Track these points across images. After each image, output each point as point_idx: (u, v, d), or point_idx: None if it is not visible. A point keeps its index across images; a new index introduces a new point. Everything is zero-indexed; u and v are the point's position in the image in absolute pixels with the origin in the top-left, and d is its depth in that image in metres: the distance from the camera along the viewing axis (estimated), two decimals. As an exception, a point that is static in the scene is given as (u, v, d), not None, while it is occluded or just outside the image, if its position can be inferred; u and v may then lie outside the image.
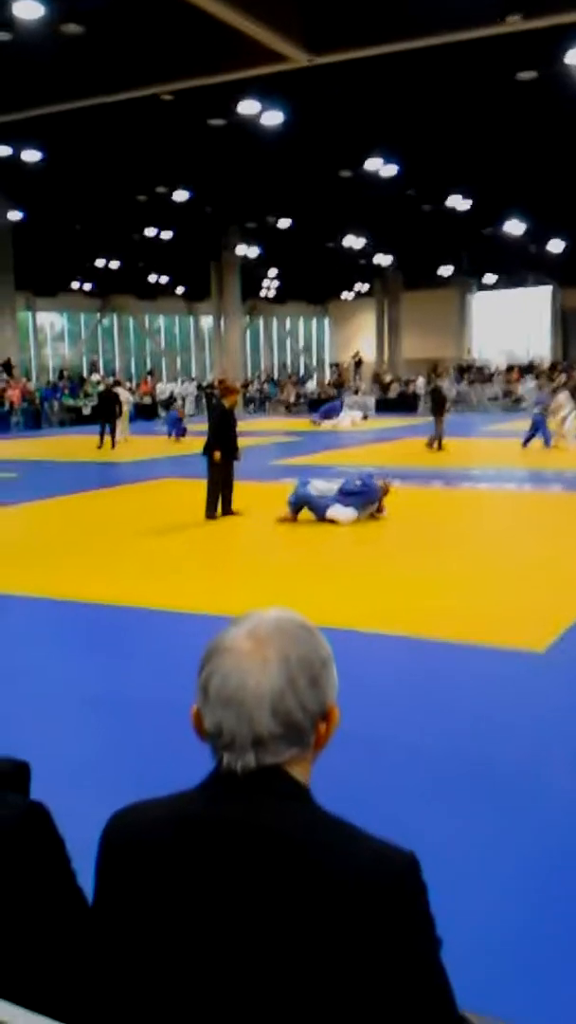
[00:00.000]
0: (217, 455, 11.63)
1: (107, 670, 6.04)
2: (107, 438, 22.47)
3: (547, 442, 20.25)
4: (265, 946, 1.22)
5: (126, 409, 24.86)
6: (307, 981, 1.20)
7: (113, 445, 22.41)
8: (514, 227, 33.24)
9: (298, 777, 1.32)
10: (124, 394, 25.56)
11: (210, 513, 11.68)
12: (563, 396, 21.89)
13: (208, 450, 11.74)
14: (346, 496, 11.30)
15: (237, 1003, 1.22)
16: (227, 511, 11.85)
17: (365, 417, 31.57)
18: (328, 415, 29.89)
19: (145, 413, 34.90)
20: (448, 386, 39.13)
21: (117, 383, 27.94)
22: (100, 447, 22.24)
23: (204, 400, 37.60)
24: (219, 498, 11.77)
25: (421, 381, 39.39)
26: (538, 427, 20.36)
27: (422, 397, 38.77)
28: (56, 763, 4.17)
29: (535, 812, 3.98)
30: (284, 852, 1.24)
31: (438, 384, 21.62)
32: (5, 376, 32.86)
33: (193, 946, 1.25)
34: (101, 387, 30.18)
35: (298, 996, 1.20)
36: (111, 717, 5.19)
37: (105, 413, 22.92)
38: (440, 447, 19.93)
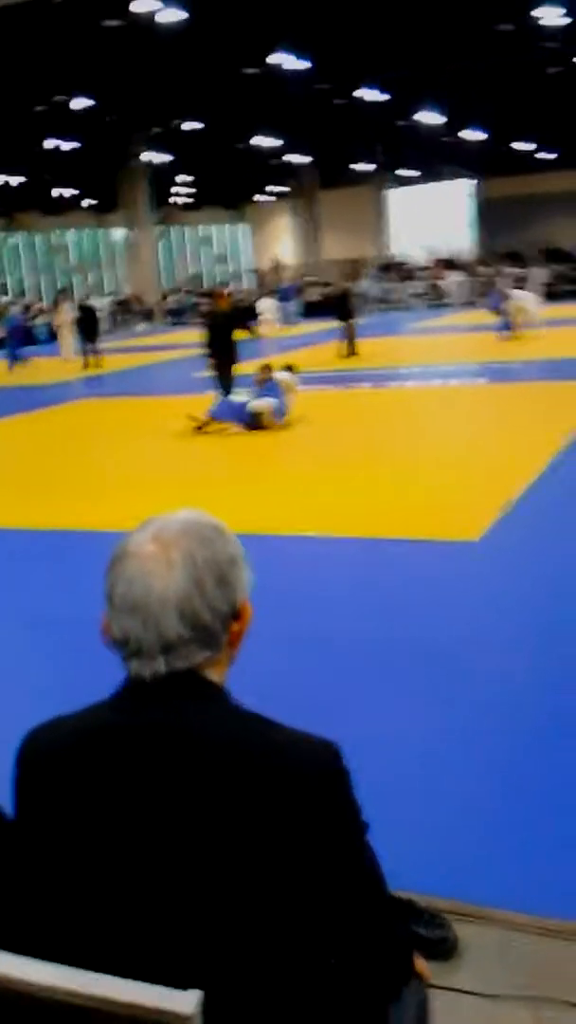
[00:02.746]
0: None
1: (33, 591, 6.07)
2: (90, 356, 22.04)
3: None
4: (190, 844, 1.21)
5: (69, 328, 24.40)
6: (235, 875, 1.20)
7: (98, 361, 21.98)
8: (430, 118, 32.60)
9: (213, 678, 1.31)
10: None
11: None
12: (520, 295, 21.69)
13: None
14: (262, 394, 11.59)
15: (165, 904, 1.22)
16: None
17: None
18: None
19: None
20: (370, 285, 38.83)
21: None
22: (86, 366, 21.85)
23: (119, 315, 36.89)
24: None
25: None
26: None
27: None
28: None
29: (472, 691, 4.13)
30: (202, 750, 1.24)
31: (346, 287, 21.17)
32: None
33: (118, 851, 1.24)
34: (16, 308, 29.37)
35: (227, 890, 1.21)
36: (35, 637, 5.25)
37: (88, 330, 22.40)
38: (353, 352, 19.60)
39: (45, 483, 9.49)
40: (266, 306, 30.60)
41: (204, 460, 10.30)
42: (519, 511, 6.89)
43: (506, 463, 8.51)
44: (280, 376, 11.86)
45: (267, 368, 11.85)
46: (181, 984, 1.13)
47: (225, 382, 12.35)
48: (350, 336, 19.64)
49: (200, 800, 1.22)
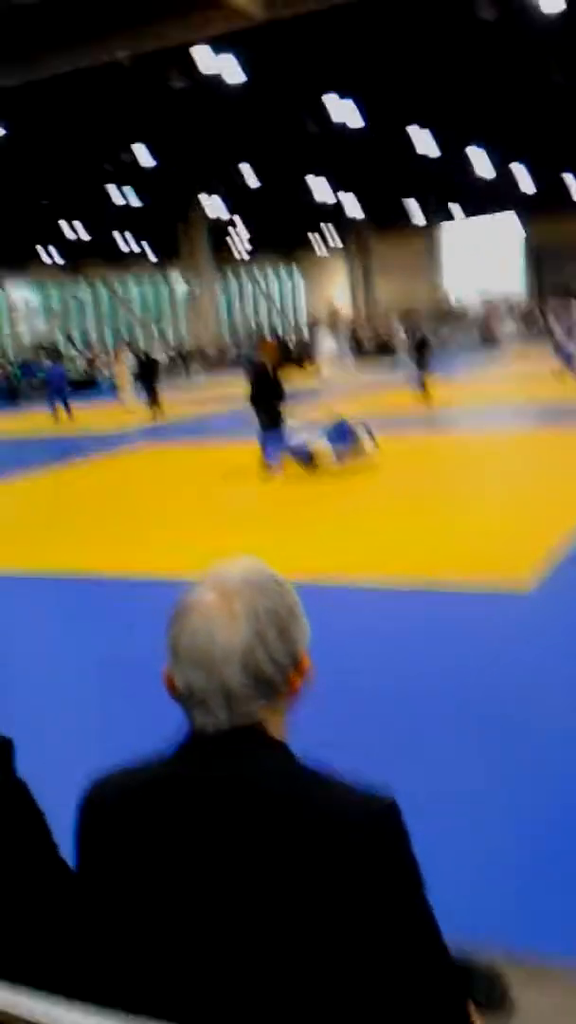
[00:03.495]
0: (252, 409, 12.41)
1: (94, 639, 6.09)
2: (155, 407, 22.30)
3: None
4: (249, 899, 1.21)
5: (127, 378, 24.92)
6: (292, 931, 1.20)
7: (159, 409, 22.19)
8: (480, 159, 33.00)
9: (272, 731, 1.31)
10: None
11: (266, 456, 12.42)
12: None
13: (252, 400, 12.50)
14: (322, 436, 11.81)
15: (223, 958, 1.22)
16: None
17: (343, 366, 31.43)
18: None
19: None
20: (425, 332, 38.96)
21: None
22: (151, 413, 22.12)
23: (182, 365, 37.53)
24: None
25: (398, 328, 39.18)
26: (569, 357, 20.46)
27: (401, 346, 38.64)
28: (44, 733, 4.18)
29: (523, 752, 4.07)
30: (262, 804, 1.23)
31: (424, 335, 21.28)
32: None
33: (176, 904, 1.24)
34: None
35: (283, 946, 1.20)
36: (98, 685, 5.27)
37: (149, 378, 22.63)
38: (428, 396, 19.84)
39: (104, 528, 9.66)
40: (327, 344, 30.74)
41: (259, 505, 10.43)
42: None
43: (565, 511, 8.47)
44: (352, 421, 12.01)
45: (337, 415, 11.96)
46: None
47: (272, 427, 12.45)
48: (425, 381, 19.87)
49: (261, 856, 1.22)
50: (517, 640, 5.50)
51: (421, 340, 20.83)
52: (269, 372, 12.72)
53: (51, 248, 41.07)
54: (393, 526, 8.42)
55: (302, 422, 12.30)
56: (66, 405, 22.87)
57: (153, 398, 22.20)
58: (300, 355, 14.96)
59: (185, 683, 1.28)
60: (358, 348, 39.36)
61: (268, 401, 12.39)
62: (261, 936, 1.20)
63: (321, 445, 11.62)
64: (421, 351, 20.30)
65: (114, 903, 1.29)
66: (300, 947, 1.20)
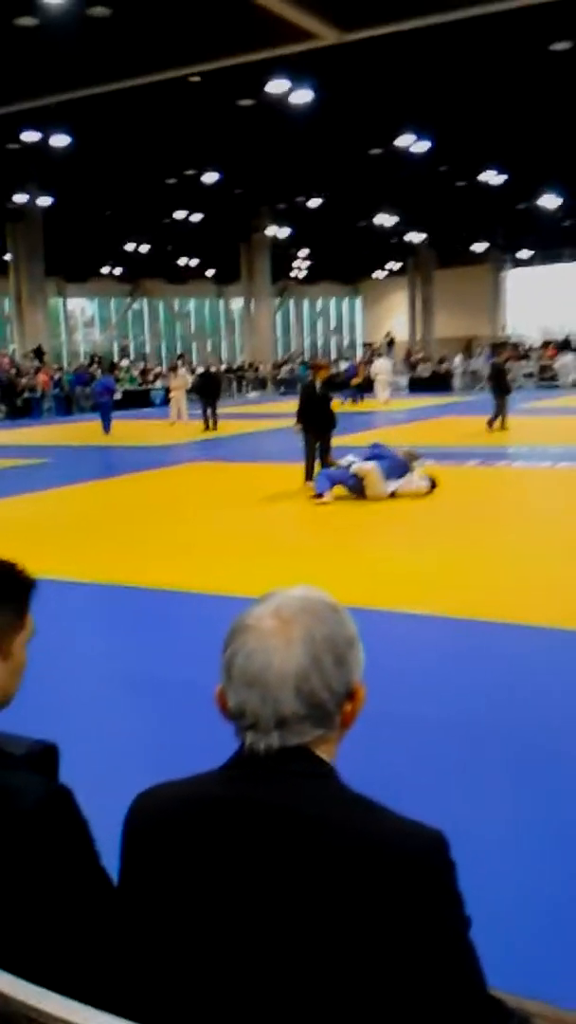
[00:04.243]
0: (297, 427, 12.76)
1: (138, 652, 6.06)
2: (210, 420, 22.39)
3: None
4: (290, 925, 1.20)
5: (181, 393, 25.02)
6: (332, 960, 1.18)
7: (215, 425, 22.27)
8: (549, 201, 32.75)
9: (323, 756, 1.31)
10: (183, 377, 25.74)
11: (307, 477, 12.58)
12: None
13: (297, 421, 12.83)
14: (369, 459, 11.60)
15: (260, 981, 1.21)
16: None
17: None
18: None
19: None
20: (483, 364, 38.78)
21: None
22: (207, 429, 22.16)
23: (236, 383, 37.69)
24: (311, 464, 12.64)
25: (457, 360, 39.03)
26: None
27: (457, 376, 38.49)
28: (89, 744, 4.25)
29: (566, 789, 3.93)
30: (309, 832, 1.22)
31: (500, 364, 21.06)
32: (36, 362, 32.98)
33: (217, 925, 1.24)
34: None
35: (322, 975, 1.19)
36: (146, 698, 5.22)
37: (209, 394, 22.77)
38: (503, 426, 19.69)
39: (147, 542, 9.61)
40: (381, 367, 30.91)
41: (301, 528, 10.31)
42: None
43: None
44: (403, 451, 11.80)
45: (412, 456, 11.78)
46: None
47: (317, 451, 12.68)
48: (502, 411, 19.72)
49: (304, 881, 1.21)
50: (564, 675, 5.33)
51: (498, 369, 20.58)
52: (317, 392, 12.83)
53: (112, 261, 41.54)
54: (445, 558, 8.23)
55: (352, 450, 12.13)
56: (107, 419, 22.89)
57: (211, 414, 22.29)
58: (341, 389, 14.89)
59: (238, 703, 1.29)
60: (413, 371, 39.29)
61: (316, 421, 12.43)
62: (299, 961, 1.19)
63: (366, 466, 11.35)
64: (500, 378, 20.07)
65: (153, 918, 1.29)
66: (340, 974, 1.18)
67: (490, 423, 19.67)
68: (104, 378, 25.87)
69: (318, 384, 13.06)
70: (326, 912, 1.19)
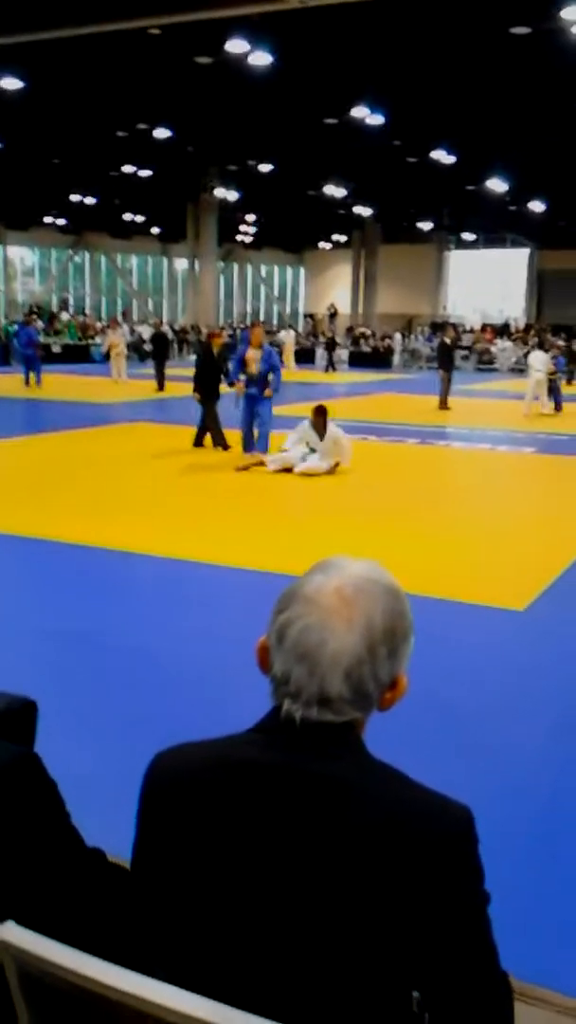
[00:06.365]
0: (195, 395, 13.39)
1: (95, 609, 6.09)
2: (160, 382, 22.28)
3: (558, 406, 20.46)
4: (312, 891, 1.21)
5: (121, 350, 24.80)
6: (352, 926, 1.20)
7: (163, 386, 22.25)
8: (496, 185, 32.97)
9: (356, 731, 1.32)
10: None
11: (196, 442, 13.40)
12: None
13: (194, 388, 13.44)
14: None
15: (277, 945, 1.22)
16: (218, 444, 13.17)
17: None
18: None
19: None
20: (422, 343, 39.10)
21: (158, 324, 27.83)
22: (160, 389, 22.07)
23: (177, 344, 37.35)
24: (202, 432, 13.38)
25: (398, 337, 39.28)
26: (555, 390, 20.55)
27: (397, 353, 38.74)
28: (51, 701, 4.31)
29: (504, 765, 4.08)
30: (338, 799, 1.24)
31: (445, 340, 21.24)
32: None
33: (238, 888, 1.24)
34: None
35: (341, 940, 1.20)
36: (99, 657, 5.24)
37: (160, 354, 22.76)
38: (446, 406, 19.88)
39: (71, 498, 9.62)
40: (288, 337, 31.83)
41: (242, 497, 10.39)
42: (565, 583, 6.87)
43: (554, 536, 8.49)
44: (333, 430, 11.70)
45: (321, 410, 11.68)
46: None
47: (208, 414, 13.34)
48: (445, 390, 19.91)
49: (331, 848, 1.22)
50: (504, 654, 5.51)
51: (445, 346, 20.80)
52: (210, 363, 13.55)
53: (56, 212, 40.67)
54: (392, 537, 8.38)
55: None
56: (35, 370, 22.55)
57: (160, 374, 22.13)
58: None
59: (284, 670, 1.28)
60: (355, 345, 39.42)
61: (205, 391, 13.18)
62: (313, 926, 1.21)
63: (312, 466, 11.35)
64: (446, 356, 20.27)
65: (178, 876, 1.29)
66: (363, 938, 1.20)
67: (442, 402, 19.91)
68: (26, 328, 24.99)
69: (215, 352, 13.75)
70: (356, 877, 1.20)
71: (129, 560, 7.27)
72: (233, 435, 12.78)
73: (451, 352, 20.89)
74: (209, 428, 13.25)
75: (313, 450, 11.51)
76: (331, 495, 10.48)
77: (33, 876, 1.39)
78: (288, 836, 1.23)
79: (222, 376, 13.51)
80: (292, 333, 36.13)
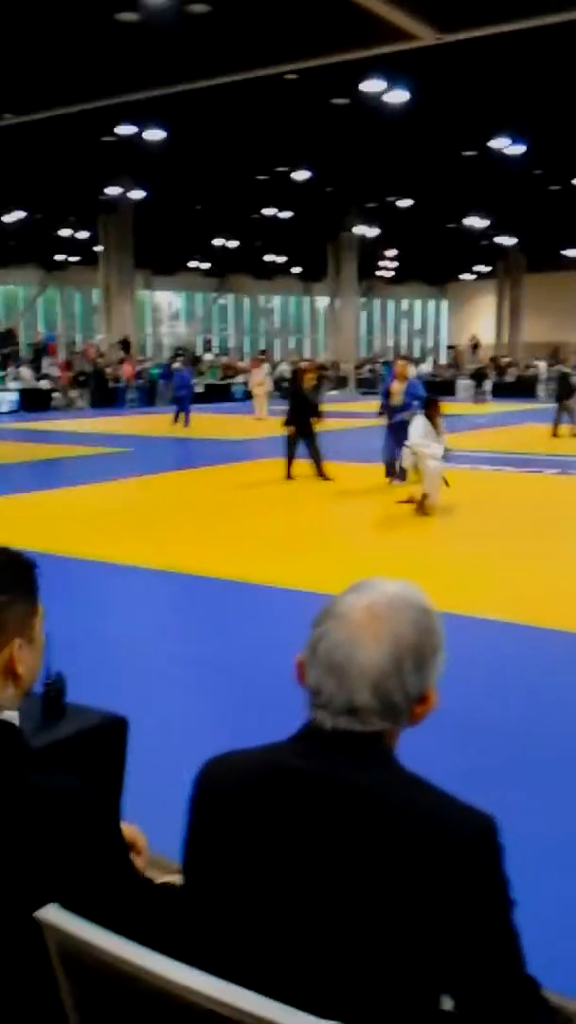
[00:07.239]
0: (288, 429, 13.55)
1: (206, 638, 6.21)
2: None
3: None
4: (343, 897, 1.26)
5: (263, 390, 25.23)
6: (382, 932, 1.24)
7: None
8: None
9: (386, 743, 1.37)
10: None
11: (319, 473, 13.53)
12: None
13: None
14: None
15: (311, 948, 1.26)
16: (320, 475, 13.45)
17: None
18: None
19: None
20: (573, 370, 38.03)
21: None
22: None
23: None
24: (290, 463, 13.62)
25: (542, 365, 38.39)
26: None
27: (542, 382, 37.85)
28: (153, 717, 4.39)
29: None
30: (366, 808, 1.28)
31: (565, 370, 20.76)
32: (122, 353, 33.42)
33: (274, 892, 1.30)
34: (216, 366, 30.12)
35: (371, 946, 1.24)
36: (210, 678, 5.39)
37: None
38: (570, 433, 19.38)
39: (217, 533, 9.74)
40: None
41: (355, 526, 10.43)
42: None
43: None
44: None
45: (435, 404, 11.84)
46: None
47: (293, 447, 13.46)
48: (564, 417, 19.44)
49: (362, 855, 1.26)
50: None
51: (562, 375, 20.32)
52: (302, 398, 13.54)
53: (199, 256, 41.87)
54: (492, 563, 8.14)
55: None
56: (185, 412, 23.17)
57: None
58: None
59: (316, 682, 1.35)
60: (499, 376, 38.79)
61: (299, 426, 13.26)
62: (345, 931, 1.25)
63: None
64: (562, 386, 19.80)
65: (222, 876, 1.35)
66: (391, 942, 1.24)
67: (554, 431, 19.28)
68: (182, 372, 26.07)
69: (304, 386, 13.77)
70: (384, 883, 1.24)
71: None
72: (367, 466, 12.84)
73: (568, 380, 20.38)
74: (313, 457, 13.49)
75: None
76: (443, 528, 10.27)
77: (83, 911, 1.39)
78: (317, 840, 1.28)
79: (313, 409, 13.67)
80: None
